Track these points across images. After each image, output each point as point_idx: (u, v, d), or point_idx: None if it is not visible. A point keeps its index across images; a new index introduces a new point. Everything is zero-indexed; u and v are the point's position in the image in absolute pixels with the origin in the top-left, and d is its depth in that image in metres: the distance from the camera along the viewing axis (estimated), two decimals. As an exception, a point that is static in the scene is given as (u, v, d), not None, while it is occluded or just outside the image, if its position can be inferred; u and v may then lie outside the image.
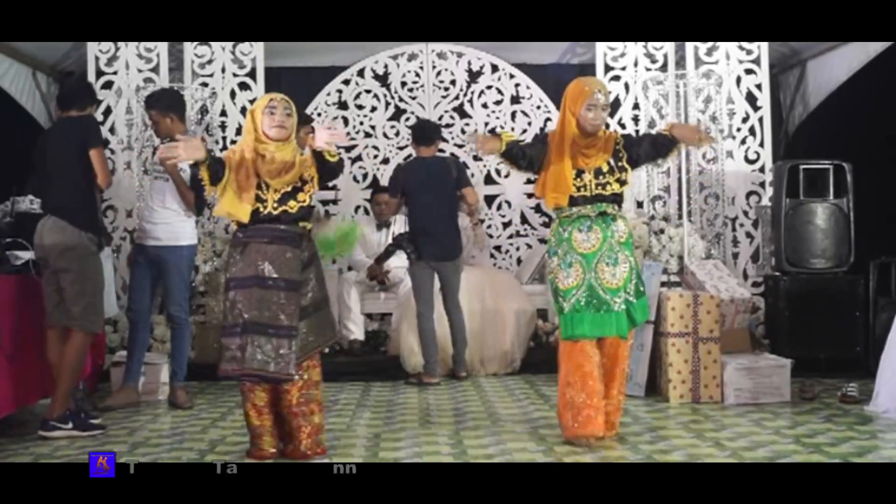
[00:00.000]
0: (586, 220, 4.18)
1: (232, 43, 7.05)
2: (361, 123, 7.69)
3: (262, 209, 3.89)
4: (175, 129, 5.42)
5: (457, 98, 7.71)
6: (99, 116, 6.62)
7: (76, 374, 4.67)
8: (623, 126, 7.17)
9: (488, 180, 7.82)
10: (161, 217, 5.37)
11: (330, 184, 5.18)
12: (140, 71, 6.97)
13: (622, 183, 4.20)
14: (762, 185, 7.06)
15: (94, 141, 4.71)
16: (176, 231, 5.39)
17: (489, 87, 7.74)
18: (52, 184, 4.72)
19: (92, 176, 4.68)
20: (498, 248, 7.74)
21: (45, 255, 4.67)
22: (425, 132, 6.38)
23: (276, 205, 3.90)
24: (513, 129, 7.67)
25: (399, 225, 7.02)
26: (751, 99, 7.13)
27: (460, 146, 7.63)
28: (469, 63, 7.72)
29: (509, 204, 7.72)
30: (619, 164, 4.20)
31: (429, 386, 6.00)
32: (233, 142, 7.02)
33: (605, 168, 4.17)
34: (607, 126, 4.37)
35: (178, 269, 5.41)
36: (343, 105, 7.68)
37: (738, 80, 7.12)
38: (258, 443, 4.00)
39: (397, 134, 7.71)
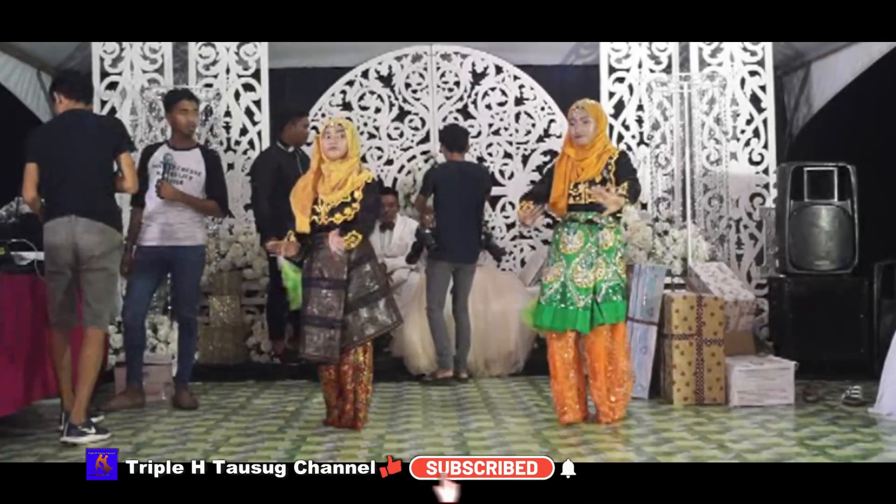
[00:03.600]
0: (575, 225, 4.66)
1: (236, 44, 7.06)
2: (365, 125, 7.67)
3: (317, 220, 4.64)
4: (194, 119, 5.62)
5: (461, 99, 7.70)
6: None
7: (97, 374, 4.61)
8: (627, 128, 7.16)
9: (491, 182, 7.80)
10: (179, 218, 5.39)
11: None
12: (144, 72, 6.99)
13: None
14: (766, 186, 7.06)
15: (127, 144, 4.72)
16: (193, 232, 5.44)
17: (493, 89, 7.71)
18: (78, 183, 4.52)
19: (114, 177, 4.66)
20: (501, 249, 7.72)
21: (78, 257, 4.50)
22: (457, 137, 6.40)
23: (327, 216, 4.63)
24: (517, 131, 7.69)
25: (402, 226, 7.03)
26: (755, 101, 7.13)
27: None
28: (473, 64, 7.70)
29: (513, 205, 7.71)
30: (608, 175, 4.61)
31: (444, 382, 6.01)
32: (237, 142, 7.13)
33: (598, 180, 4.59)
34: (611, 129, 4.51)
35: (192, 269, 5.45)
36: (347, 106, 7.67)
37: (743, 81, 7.12)
38: (328, 410, 4.78)
39: (401, 135, 7.71)
